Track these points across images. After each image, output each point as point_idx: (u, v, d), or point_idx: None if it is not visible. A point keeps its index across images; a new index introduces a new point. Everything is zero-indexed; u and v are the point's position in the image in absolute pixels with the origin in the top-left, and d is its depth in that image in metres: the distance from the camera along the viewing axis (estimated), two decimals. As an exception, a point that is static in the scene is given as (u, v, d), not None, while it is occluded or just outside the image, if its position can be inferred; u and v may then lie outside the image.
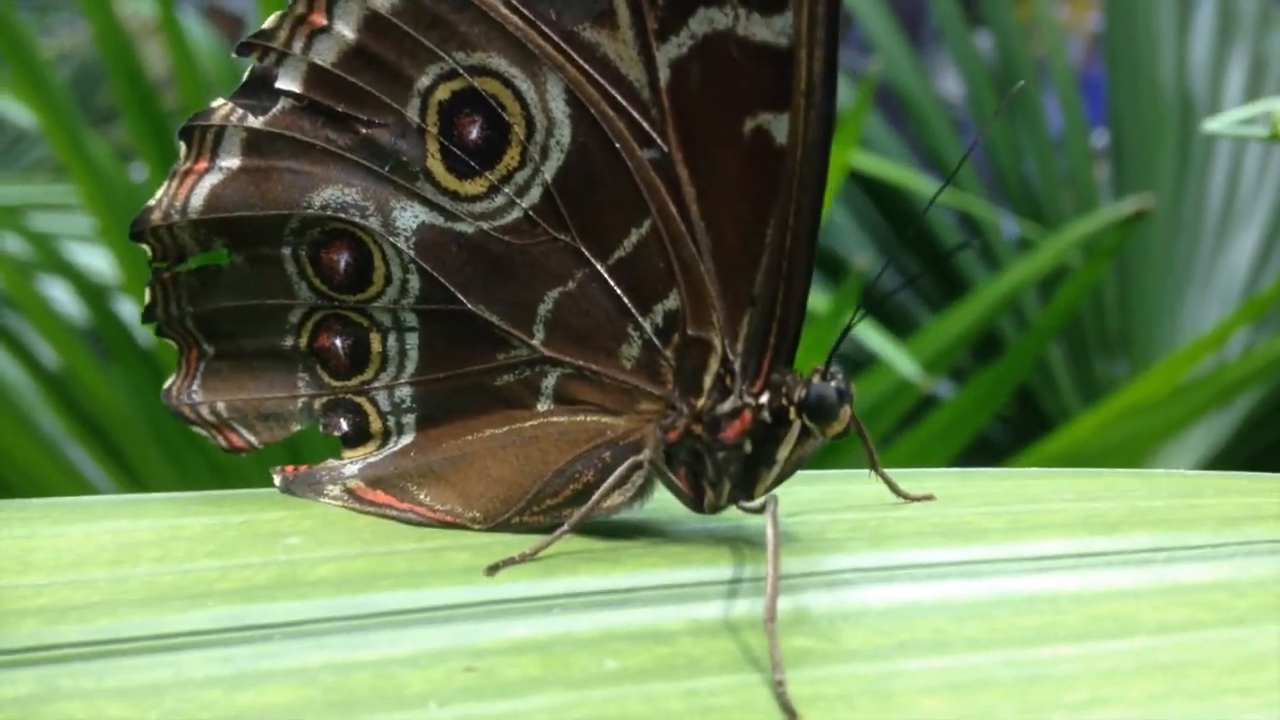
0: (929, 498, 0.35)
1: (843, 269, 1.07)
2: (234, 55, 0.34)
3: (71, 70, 1.48)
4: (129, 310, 0.86)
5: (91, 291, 0.86)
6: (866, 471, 0.36)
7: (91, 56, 1.41)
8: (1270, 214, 1.14)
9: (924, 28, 1.67)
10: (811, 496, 0.35)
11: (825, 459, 0.76)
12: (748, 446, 0.32)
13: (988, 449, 1.06)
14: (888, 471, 0.36)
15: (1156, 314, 1.12)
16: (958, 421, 0.84)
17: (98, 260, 0.91)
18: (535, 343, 0.34)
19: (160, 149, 0.81)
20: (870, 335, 0.82)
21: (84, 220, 0.92)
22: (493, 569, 0.31)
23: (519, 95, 0.33)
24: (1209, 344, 0.86)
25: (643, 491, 0.33)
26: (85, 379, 0.83)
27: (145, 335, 0.84)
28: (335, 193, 0.34)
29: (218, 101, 0.34)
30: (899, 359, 0.81)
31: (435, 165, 0.33)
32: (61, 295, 0.94)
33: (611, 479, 0.32)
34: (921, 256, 1.17)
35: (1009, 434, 1.12)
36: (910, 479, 0.36)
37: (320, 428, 0.36)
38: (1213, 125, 0.59)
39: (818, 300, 0.87)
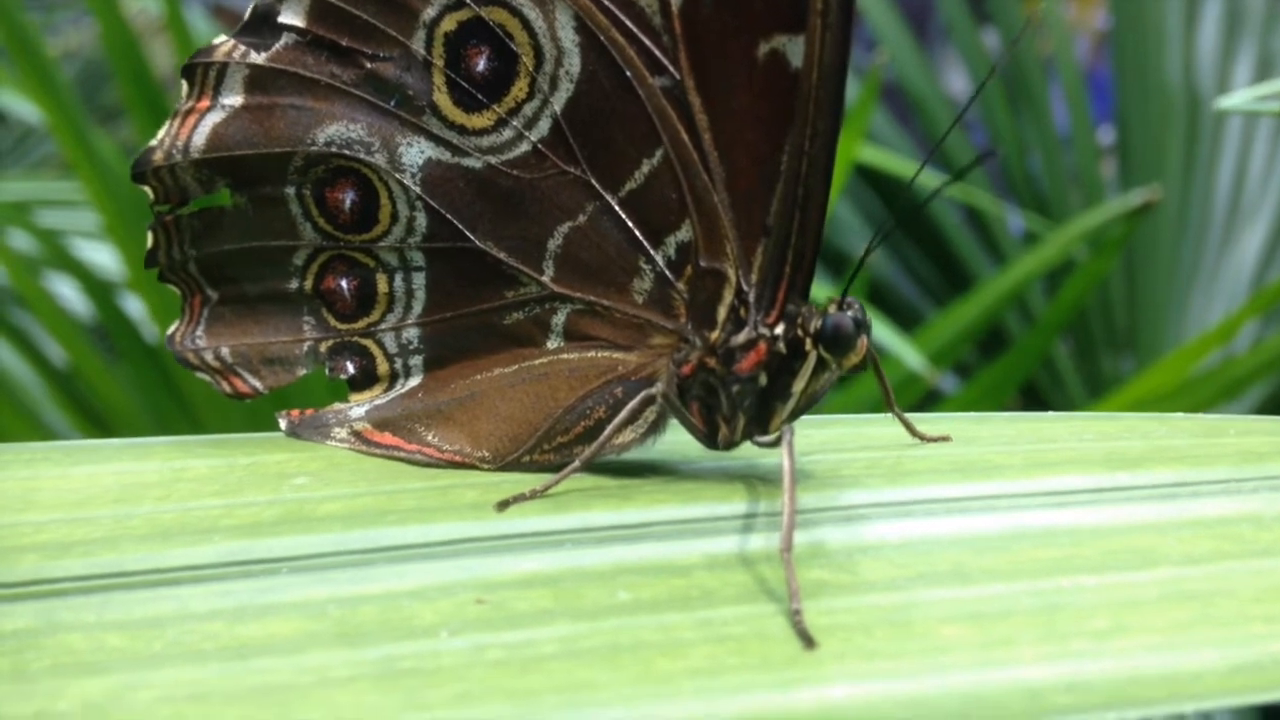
0: (945, 438, 0.35)
1: (847, 262, 1.06)
2: None
3: (78, 68, 1.48)
4: (136, 307, 0.86)
5: (98, 288, 0.85)
6: (882, 414, 0.35)
7: (98, 54, 1.41)
8: (1278, 210, 1.13)
9: (931, 24, 1.67)
10: (826, 437, 0.35)
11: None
12: (763, 379, 0.32)
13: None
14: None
15: (1163, 310, 1.12)
16: (963, 418, 0.83)
17: (104, 257, 0.91)
18: (545, 279, 0.33)
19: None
20: (876, 328, 0.81)
21: (90, 217, 0.92)
22: (502, 505, 0.30)
23: (527, 24, 0.32)
24: (1216, 338, 0.85)
25: (655, 428, 0.33)
26: (91, 376, 0.83)
27: (152, 332, 0.83)
28: (340, 129, 0.33)
29: (220, 39, 0.34)
30: (905, 351, 0.81)
31: (442, 99, 0.33)
32: (68, 292, 0.94)
33: (623, 414, 0.32)
34: (924, 248, 1.16)
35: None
36: (926, 422, 0.35)
37: (326, 371, 0.35)
38: (1225, 103, 0.59)
39: (824, 293, 0.87)
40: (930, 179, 1.04)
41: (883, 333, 0.82)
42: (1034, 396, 1.10)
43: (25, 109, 1.04)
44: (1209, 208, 1.14)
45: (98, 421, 0.85)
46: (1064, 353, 1.11)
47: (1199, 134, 1.16)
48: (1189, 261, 1.13)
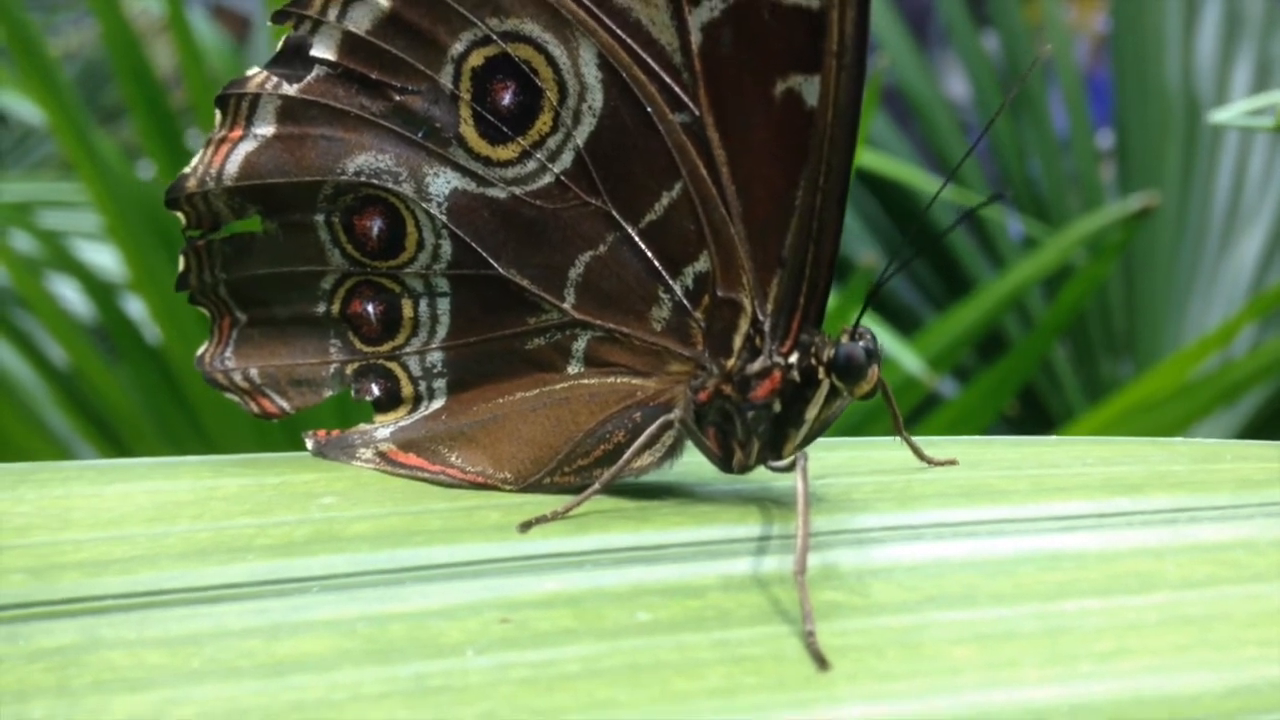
0: (952, 462, 0.36)
1: (849, 268, 1.07)
2: (270, 24, 0.34)
3: (79, 68, 1.48)
4: (137, 308, 0.86)
5: (99, 289, 0.86)
6: (890, 438, 0.36)
7: (99, 54, 1.41)
8: (1276, 214, 1.14)
9: (931, 28, 1.68)
10: (836, 461, 0.36)
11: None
12: (777, 406, 0.33)
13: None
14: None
15: (1162, 314, 1.12)
16: (962, 420, 0.84)
17: (105, 258, 0.91)
18: (566, 306, 0.34)
19: (167, 147, 0.82)
20: (875, 331, 0.82)
21: (92, 218, 0.92)
22: (525, 526, 0.31)
23: (552, 61, 0.33)
24: (1215, 341, 0.86)
25: (672, 451, 0.33)
26: (93, 377, 0.83)
27: (153, 333, 0.84)
28: (369, 159, 0.34)
29: (253, 70, 0.34)
30: (904, 355, 0.82)
31: (468, 131, 0.34)
32: (69, 293, 0.94)
33: (642, 438, 0.33)
34: (926, 255, 1.17)
35: (1013, 434, 1.12)
36: (932, 446, 0.36)
37: (352, 393, 0.36)
38: (1219, 116, 0.60)
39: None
40: (933, 187, 1.04)
41: (881, 337, 0.82)
42: (1032, 400, 1.11)
43: (26, 109, 1.05)
44: (1208, 212, 1.15)
45: (99, 423, 0.86)
46: (1062, 357, 1.12)
47: (1198, 138, 1.16)
48: (1187, 266, 1.14)
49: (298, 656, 0.26)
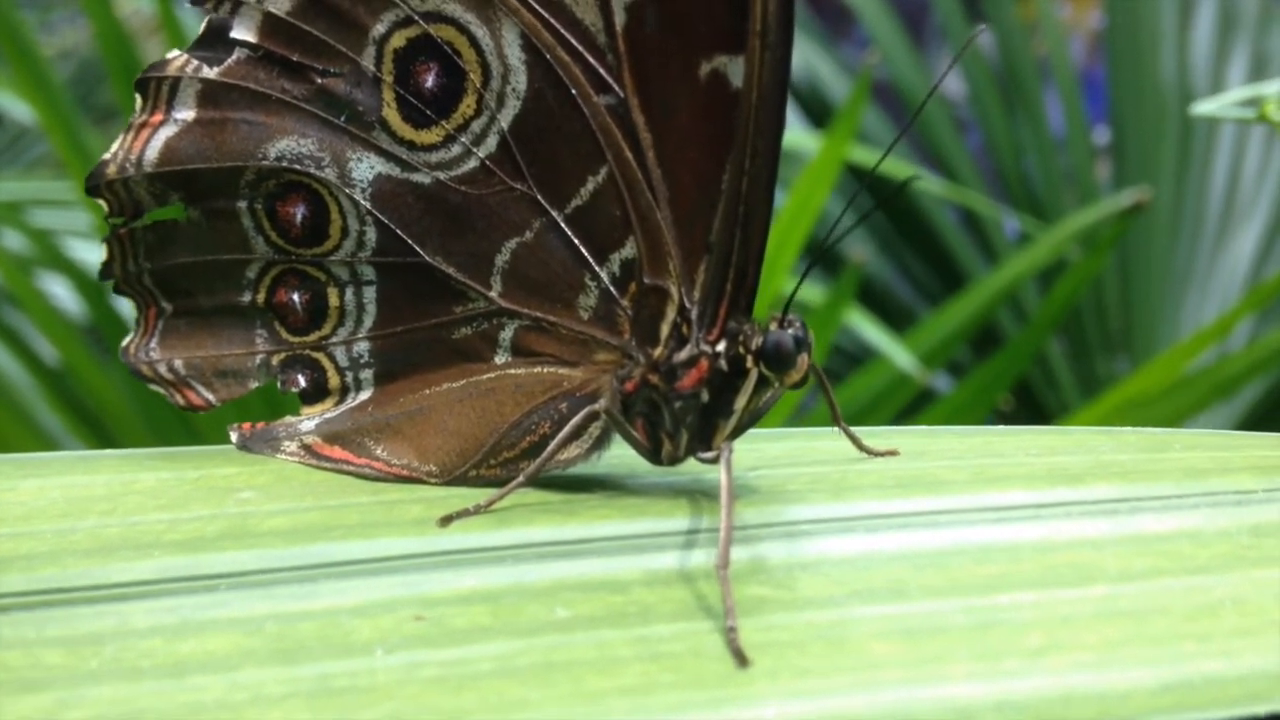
0: (893, 453, 0.35)
1: (839, 262, 1.06)
2: (189, 4, 0.34)
3: (72, 68, 1.48)
4: (127, 307, 0.85)
5: (90, 287, 0.85)
6: (831, 428, 0.35)
7: (92, 54, 1.41)
8: (1271, 212, 1.13)
9: (926, 26, 1.67)
10: (775, 453, 0.35)
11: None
12: (705, 396, 0.32)
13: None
14: (853, 429, 0.35)
15: (1158, 311, 1.12)
16: (956, 416, 0.84)
17: (97, 256, 0.90)
18: (493, 294, 0.33)
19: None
20: (868, 328, 0.82)
21: (84, 217, 0.92)
22: (445, 520, 0.30)
23: (474, 42, 0.32)
24: (1211, 335, 0.85)
25: (599, 443, 0.33)
26: (84, 375, 0.83)
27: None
28: (291, 144, 0.33)
29: (173, 53, 0.34)
30: (897, 352, 0.81)
31: (391, 115, 0.33)
32: (61, 291, 0.94)
33: (567, 429, 0.32)
34: (920, 251, 1.16)
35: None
36: (876, 436, 0.35)
37: (278, 384, 0.35)
38: (1203, 108, 0.59)
39: (815, 293, 0.87)
40: (928, 183, 1.04)
41: (874, 334, 0.82)
42: (1028, 397, 1.10)
43: (20, 109, 1.04)
44: (1203, 208, 1.14)
45: (90, 420, 0.85)
46: (1058, 352, 1.11)
47: (1193, 134, 1.15)
48: (1183, 262, 1.13)
49: (200, 656, 0.25)
